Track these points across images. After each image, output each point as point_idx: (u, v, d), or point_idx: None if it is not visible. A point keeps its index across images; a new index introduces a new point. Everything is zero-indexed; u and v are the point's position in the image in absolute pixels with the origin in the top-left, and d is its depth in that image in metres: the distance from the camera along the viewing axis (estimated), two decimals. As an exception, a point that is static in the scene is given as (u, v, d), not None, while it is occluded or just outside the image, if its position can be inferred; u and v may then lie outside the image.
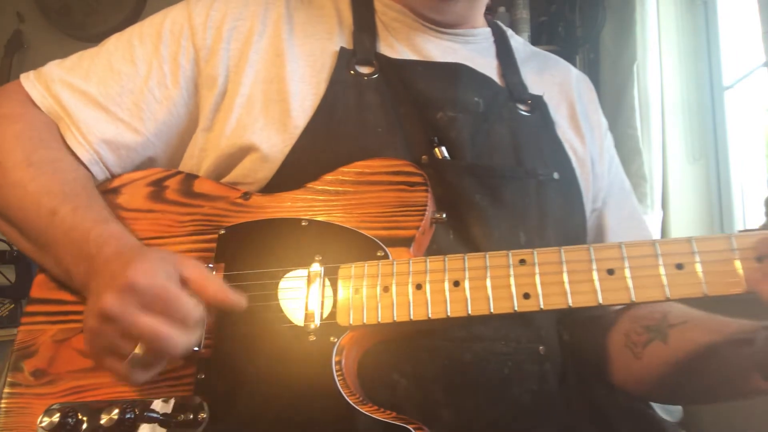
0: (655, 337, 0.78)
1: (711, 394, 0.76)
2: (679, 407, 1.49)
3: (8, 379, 0.70)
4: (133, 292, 0.58)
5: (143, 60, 0.82)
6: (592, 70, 2.28)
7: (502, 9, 2.44)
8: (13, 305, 2.15)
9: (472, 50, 0.92)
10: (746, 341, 0.65)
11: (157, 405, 0.64)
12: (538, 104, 0.89)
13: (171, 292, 0.59)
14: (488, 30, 0.96)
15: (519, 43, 1.00)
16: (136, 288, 0.58)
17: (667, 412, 1.44)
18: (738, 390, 0.67)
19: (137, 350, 0.58)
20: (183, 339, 0.59)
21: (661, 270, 0.59)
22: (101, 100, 0.80)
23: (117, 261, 0.63)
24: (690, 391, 0.79)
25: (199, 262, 0.66)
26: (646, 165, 1.88)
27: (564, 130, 0.91)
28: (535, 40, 2.35)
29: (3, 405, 0.69)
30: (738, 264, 0.58)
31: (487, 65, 0.90)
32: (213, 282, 0.63)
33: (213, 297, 0.62)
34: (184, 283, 0.62)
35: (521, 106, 0.87)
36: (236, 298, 0.64)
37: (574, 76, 0.99)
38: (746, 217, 1.82)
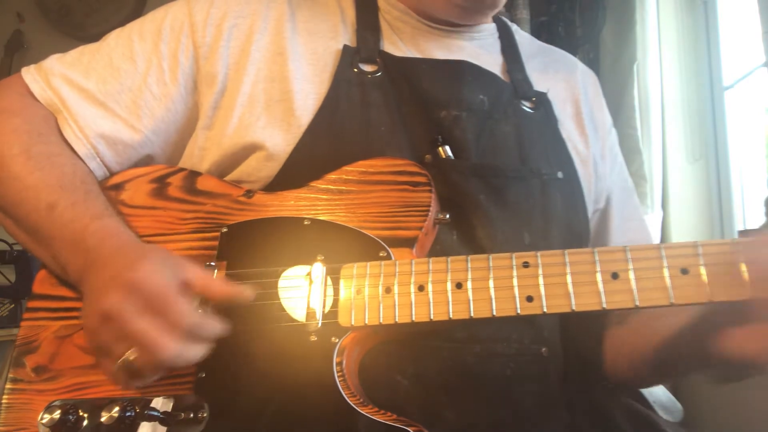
0: None
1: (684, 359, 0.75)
2: (680, 407, 1.49)
3: (10, 375, 0.70)
4: (136, 292, 0.58)
5: (142, 57, 0.82)
6: (592, 70, 2.27)
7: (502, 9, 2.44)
8: (13, 305, 2.14)
9: (477, 46, 0.91)
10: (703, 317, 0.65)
11: (158, 403, 0.64)
12: (542, 101, 0.88)
13: (171, 295, 0.59)
14: (493, 26, 0.96)
15: (524, 38, 0.99)
16: (141, 287, 0.58)
17: (668, 413, 1.44)
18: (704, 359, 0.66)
19: (129, 355, 0.58)
20: (173, 347, 0.57)
21: (666, 274, 0.59)
22: (100, 97, 0.80)
23: (120, 259, 0.63)
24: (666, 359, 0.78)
25: (197, 264, 0.65)
26: (646, 165, 1.88)
27: (568, 129, 0.90)
28: (535, 40, 2.34)
29: (4, 401, 0.69)
30: (744, 269, 0.57)
31: (492, 61, 0.90)
32: (215, 280, 0.64)
33: (218, 293, 0.63)
34: (186, 286, 0.62)
35: (526, 103, 0.86)
36: (241, 290, 0.64)
37: (579, 72, 0.98)
38: (746, 217, 1.82)
